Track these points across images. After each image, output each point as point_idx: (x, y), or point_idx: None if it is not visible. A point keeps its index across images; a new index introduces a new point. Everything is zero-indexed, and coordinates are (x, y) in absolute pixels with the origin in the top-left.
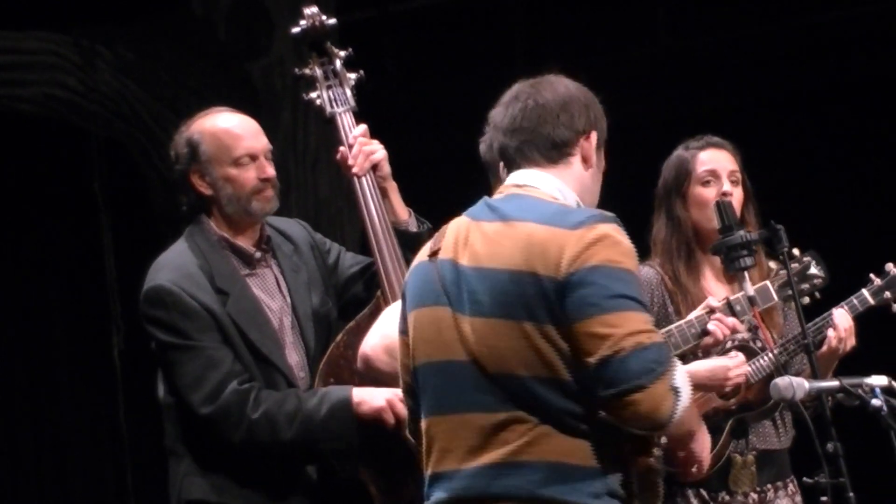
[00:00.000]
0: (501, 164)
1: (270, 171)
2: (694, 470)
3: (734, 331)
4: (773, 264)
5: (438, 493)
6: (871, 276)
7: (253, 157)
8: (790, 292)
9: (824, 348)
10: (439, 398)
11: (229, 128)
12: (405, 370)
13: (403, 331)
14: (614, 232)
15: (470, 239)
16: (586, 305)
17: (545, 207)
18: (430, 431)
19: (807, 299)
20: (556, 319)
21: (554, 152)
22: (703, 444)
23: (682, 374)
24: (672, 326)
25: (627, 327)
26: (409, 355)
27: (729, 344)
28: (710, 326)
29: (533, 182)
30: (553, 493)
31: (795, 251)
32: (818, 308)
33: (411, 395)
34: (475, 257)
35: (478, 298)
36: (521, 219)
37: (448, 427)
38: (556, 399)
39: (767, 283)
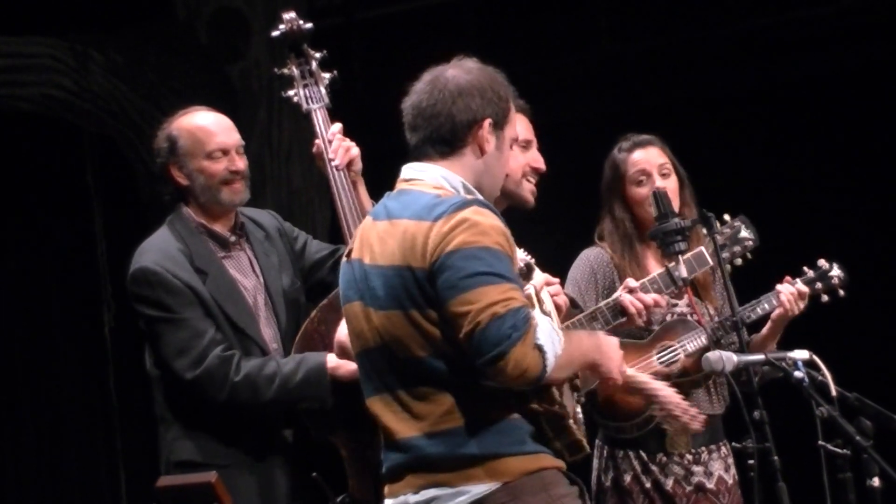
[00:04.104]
0: None
1: (240, 164)
2: (611, 384)
3: (657, 305)
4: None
5: (386, 463)
6: (805, 268)
7: (224, 152)
8: (724, 255)
9: (779, 310)
10: (370, 381)
11: (204, 125)
12: None
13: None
14: (473, 214)
15: (370, 239)
16: (447, 288)
17: (421, 202)
18: (372, 410)
19: (739, 261)
20: (433, 304)
21: (445, 148)
22: (611, 364)
23: (545, 330)
24: (594, 307)
25: (483, 301)
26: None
27: (669, 317)
28: (625, 304)
29: (418, 175)
30: (480, 449)
31: (726, 216)
32: (755, 293)
33: None
34: (372, 256)
35: (376, 294)
36: (401, 216)
37: (382, 405)
38: (457, 370)
39: (702, 248)
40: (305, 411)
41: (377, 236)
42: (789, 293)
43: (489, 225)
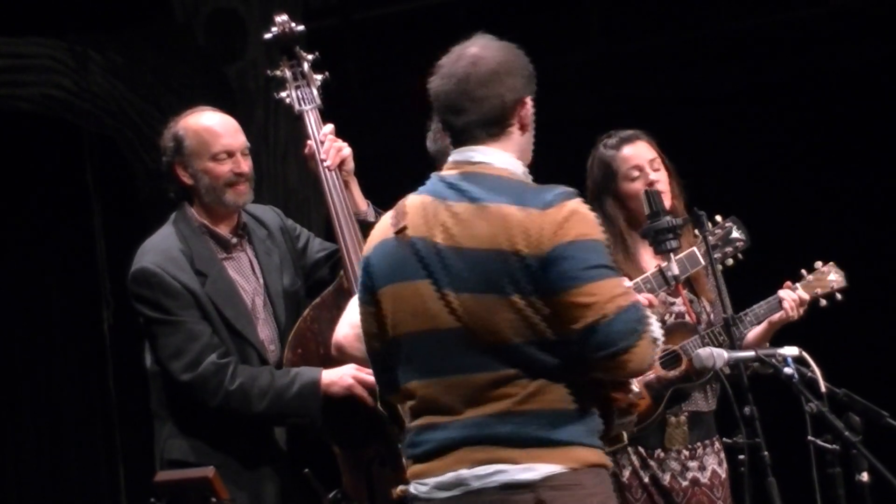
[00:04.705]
0: (448, 137)
1: (245, 167)
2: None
3: (650, 305)
4: (698, 233)
5: (426, 445)
6: (803, 271)
7: (230, 154)
8: (716, 255)
9: (780, 314)
10: (429, 362)
11: (210, 126)
12: (376, 340)
13: (368, 302)
14: (580, 206)
15: (440, 218)
16: (567, 279)
17: (511, 187)
18: (421, 392)
19: (731, 261)
20: (540, 291)
21: (495, 129)
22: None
23: (656, 323)
24: None
25: (606, 294)
26: (380, 326)
27: (668, 317)
28: None
29: (485, 159)
30: (554, 435)
31: (718, 217)
32: (752, 293)
33: (383, 365)
34: (451, 237)
35: (462, 276)
36: (492, 201)
37: (443, 387)
38: (548, 358)
39: (694, 248)
40: (294, 423)
41: (453, 217)
42: (791, 299)
43: (595, 219)
